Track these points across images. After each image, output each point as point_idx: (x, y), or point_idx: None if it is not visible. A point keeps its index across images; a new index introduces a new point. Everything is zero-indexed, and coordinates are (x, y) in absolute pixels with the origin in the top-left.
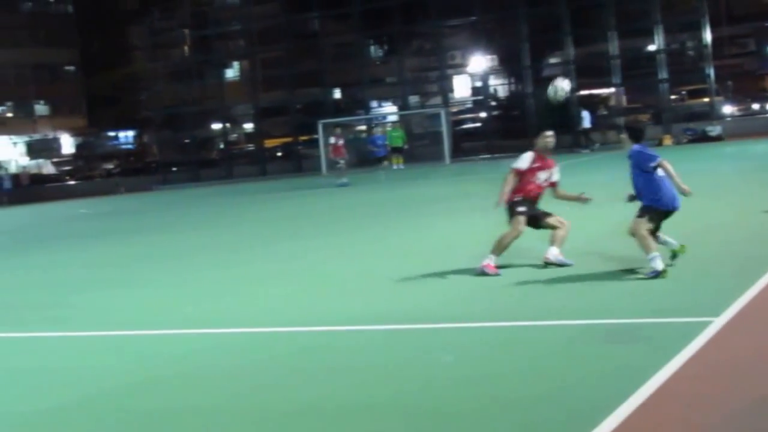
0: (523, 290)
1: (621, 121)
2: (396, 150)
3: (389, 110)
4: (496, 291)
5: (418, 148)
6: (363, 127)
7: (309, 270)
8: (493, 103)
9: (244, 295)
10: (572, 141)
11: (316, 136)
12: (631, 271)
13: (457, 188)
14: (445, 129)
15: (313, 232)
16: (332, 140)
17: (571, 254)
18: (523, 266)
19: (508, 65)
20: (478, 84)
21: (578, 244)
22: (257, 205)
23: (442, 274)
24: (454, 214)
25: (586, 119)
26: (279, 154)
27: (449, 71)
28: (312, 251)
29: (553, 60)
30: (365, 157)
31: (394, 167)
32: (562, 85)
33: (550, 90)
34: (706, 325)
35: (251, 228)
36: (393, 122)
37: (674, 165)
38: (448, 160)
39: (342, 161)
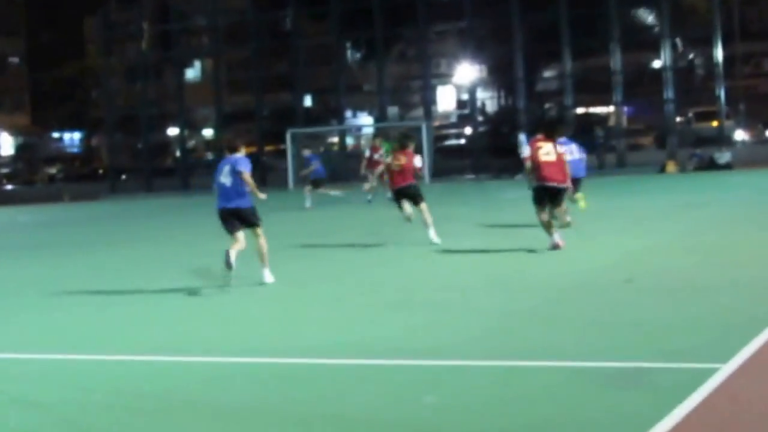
0: (515, 324)
1: (621, 143)
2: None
3: (365, 121)
4: (485, 324)
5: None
6: (335, 139)
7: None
8: (481, 118)
9: (186, 324)
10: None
11: (284, 147)
12: (632, 307)
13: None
14: (426, 144)
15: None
16: (368, 152)
17: (570, 288)
18: (518, 296)
19: (499, 77)
20: (465, 96)
21: (577, 277)
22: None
23: (422, 305)
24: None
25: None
26: None
27: (433, 81)
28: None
29: (549, 73)
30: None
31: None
32: None
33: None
34: (713, 371)
35: (204, 246)
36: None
37: (677, 195)
38: (428, 179)
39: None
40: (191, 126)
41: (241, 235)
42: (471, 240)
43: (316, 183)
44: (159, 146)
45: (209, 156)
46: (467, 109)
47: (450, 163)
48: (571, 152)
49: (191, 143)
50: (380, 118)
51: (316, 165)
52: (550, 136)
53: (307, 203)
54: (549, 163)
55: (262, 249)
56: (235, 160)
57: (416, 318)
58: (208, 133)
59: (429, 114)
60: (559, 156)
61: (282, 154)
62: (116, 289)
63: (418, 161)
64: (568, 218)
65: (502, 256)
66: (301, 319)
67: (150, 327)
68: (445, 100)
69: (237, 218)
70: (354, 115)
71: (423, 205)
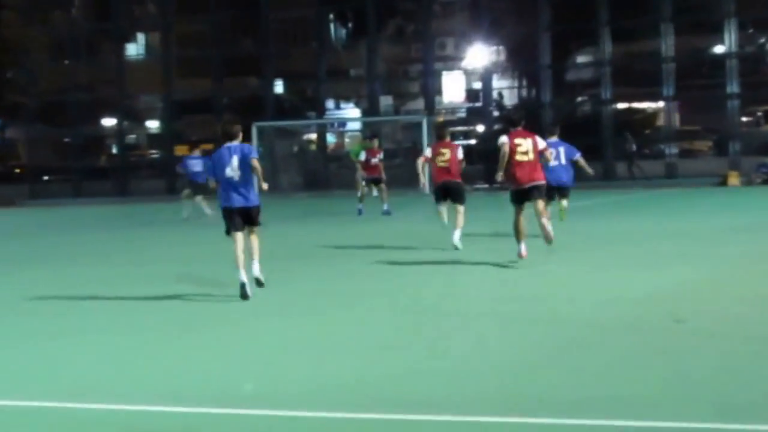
0: (535, 368)
1: (671, 149)
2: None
3: (351, 114)
4: (496, 366)
5: (387, 169)
6: (313, 135)
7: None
8: (497, 114)
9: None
10: (603, 172)
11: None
12: (683, 354)
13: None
14: (426, 145)
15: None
16: (363, 156)
17: (605, 325)
18: (539, 331)
19: (519, 62)
20: (477, 86)
21: (614, 311)
22: (154, 240)
23: (417, 342)
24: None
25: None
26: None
27: (437, 65)
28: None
29: (582, 59)
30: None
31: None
32: None
33: None
34: None
35: (151, 267)
36: (372, 136)
37: (740, 214)
38: (428, 188)
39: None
40: (132, 116)
41: (241, 235)
42: (487, 254)
43: (195, 189)
44: (91, 141)
45: (154, 154)
46: (479, 102)
47: None
48: (558, 157)
49: (132, 138)
50: (370, 110)
51: (195, 167)
52: (530, 130)
53: (184, 214)
54: (524, 164)
55: (256, 246)
56: (244, 148)
57: (410, 360)
58: (153, 125)
59: (431, 107)
60: (536, 155)
61: None
62: (37, 323)
63: (461, 153)
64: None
65: (521, 276)
66: (290, 354)
67: (81, 367)
68: (452, 90)
69: (243, 217)
70: (337, 107)
71: (461, 207)
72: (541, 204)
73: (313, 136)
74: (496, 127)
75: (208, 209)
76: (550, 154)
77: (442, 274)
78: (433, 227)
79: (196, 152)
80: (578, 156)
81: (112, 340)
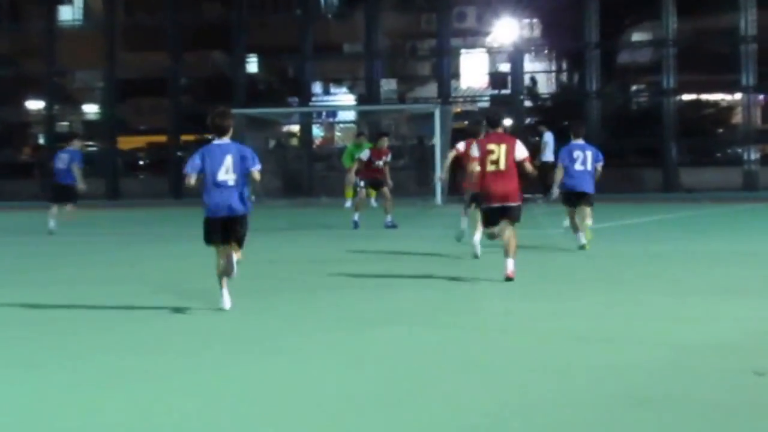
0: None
1: (754, 153)
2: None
3: (344, 101)
4: (516, 429)
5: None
6: (295, 127)
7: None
8: (529, 104)
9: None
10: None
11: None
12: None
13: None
14: (439, 142)
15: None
16: (366, 155)
17: (666, 374)
18: (585, 380)
19: (559, 40)
20: (504, 68)
21: (677, 357)
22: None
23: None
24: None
25: (548, 145)
26: (142, 162)
27: (454, 42)
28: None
29: (639, 36)
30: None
31: (347, 204)
32: None
33: None
34: None
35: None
36: (359, 133)
37: None
38: (440, 198)
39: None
40: (65, 98)
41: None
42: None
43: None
44: (11, 129)
45: (92, 146)
46: (507, 89)
47: None
48: (584, 161)
49: (63, 126)
50: (368, 97)
51: (62, 164)
52: (507, 134)
53: (51, 223)
54: (496, 176)
55: (234, 264)
56: (242, 149)
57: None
58: (91, 110)
59: (446, 94)
60: (511, 165)
61: None
62: None
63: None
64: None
65: (569, 309)
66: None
67: None
68: (472, 73)
69: (228, 229)
70: (326, 92)
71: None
72: (509, 229)
73: (295, 128)
74: (528, 121)
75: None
76: (533, 167)
77: (476, 312)
78: (453, 246)
79: (76, 144)
80: (601, 163)
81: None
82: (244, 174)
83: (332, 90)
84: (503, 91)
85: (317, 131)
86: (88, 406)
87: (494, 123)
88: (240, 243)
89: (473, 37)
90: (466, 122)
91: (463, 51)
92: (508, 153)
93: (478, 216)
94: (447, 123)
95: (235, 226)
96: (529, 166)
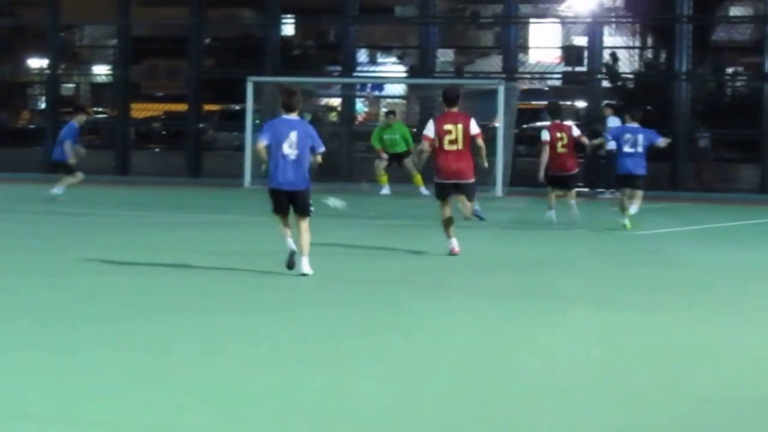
0: None
1: None
2: (396, 158)
3: (393, 73)
4: None
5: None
6: (334, 101)
7: None
8: (608, 84)
9: None
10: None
11: (238, 107)
12: None
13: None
14: (503, 124)
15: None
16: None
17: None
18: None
19: (644, 13)
20: (580, 42)
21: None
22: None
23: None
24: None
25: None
26: (159, 133)
27: (522, 8)
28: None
29: (737, 11)
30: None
31: (383, 191)
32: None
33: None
34: None
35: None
36: (388, 112)
37: None
38: (500, 189)
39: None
40: (70, 57)
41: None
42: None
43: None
44: (8, 90)
45: (101, 113)
46: (583, 66)
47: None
48: (635, 144)
49: (68, 88)
50: (420, 69)
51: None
52: (461, 112)
53: (55, 190)
54: (451, 154)
55: (306, 241)
56: (308, 126)
57: None
58: (101, 71)
59: (511, 68)
60: (467, 143)
61: (234, 119)
62: None
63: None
64: (470, 214)
65: (635, 326)
66: None
67: None
68: (542, 46)
69: (292, 202)
70: (372, 61)
71: (574, 193)
72: (466, 202)
73: (335, 101)
74: (605, 103)
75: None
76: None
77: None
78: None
79: (80, 118)
80: (661, 140)
81: None
82: (310, 150)
83: (379, 59)
84: (578, 68)
85: (360, 106)
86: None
87: (451, 101)
88: (306, 215)
89: (545, 4)
90: (532, 102)
91: (532, 20)
92: (464, 132)
93: (553, 197)
94: (512, 102)
95: (300, 200)
96: (480, 142)
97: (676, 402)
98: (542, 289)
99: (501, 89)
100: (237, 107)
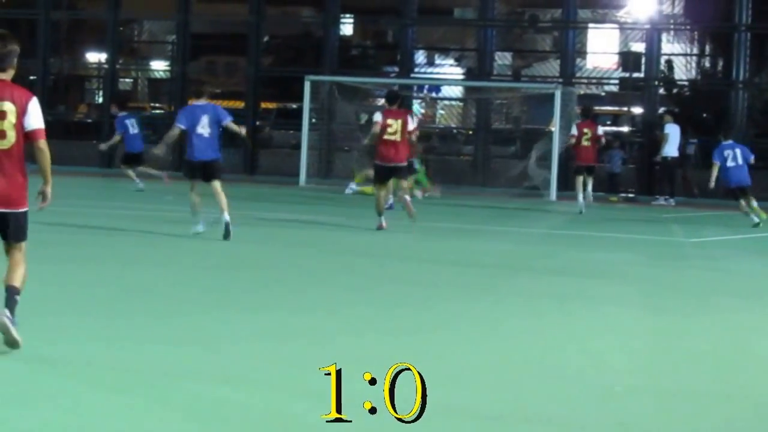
0: None
1: None
2: None
3: (450, 75)
4: None
5: (495, 160)
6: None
7: None
8: (663, 91)
9: None
10: None
11: (295, 106)
12: None
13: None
14: (558, 128)
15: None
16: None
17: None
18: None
19: (704, 18)
20: (637, 48)
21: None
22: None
23: None
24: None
25: (671, 137)
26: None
27: (581, 15)
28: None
29: None
30: None
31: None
32: None
33: None
34: None
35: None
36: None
37: None
38: (554, 193)
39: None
40: (128, 51)
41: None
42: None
43: (129, 160)
44: (67, 82)
45: (157, 108)
46: (640, 72)
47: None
48: (735, 158)
49: (126, 82)
50: (479, 72)
51: (129, 131)
52: (401, 109)
53: (139, 184)
54: (390, 143)
55: (223, 199)
56: (215, 108)
57: None
58: (159, 66)
59: (569, 73)
60: (404, 136)
61: (291, 117)
62: None
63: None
64: (410, 198)
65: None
66: None
67: None
68: (601, 51)
69: (206, 170)
70: (430, 62)
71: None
72: (402, 182)
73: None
74: (664, 109)
75: (156, 171)
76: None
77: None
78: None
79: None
80: (752, 158)
81: None
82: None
83: (437, 61)
84: (635, 74)
85: (417, 107)
86: None
87: (392, 100)
88: (215, 179)
89: (603, 9)
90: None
91: (591, 25)
92: (403, 126)
93: (580, 181)
94: (569, 106)
95: (212, 168)
96: (414, 137)
97: (731, 408)
98: (595, 291)
99: (557, 93)
100: (294, 106)
